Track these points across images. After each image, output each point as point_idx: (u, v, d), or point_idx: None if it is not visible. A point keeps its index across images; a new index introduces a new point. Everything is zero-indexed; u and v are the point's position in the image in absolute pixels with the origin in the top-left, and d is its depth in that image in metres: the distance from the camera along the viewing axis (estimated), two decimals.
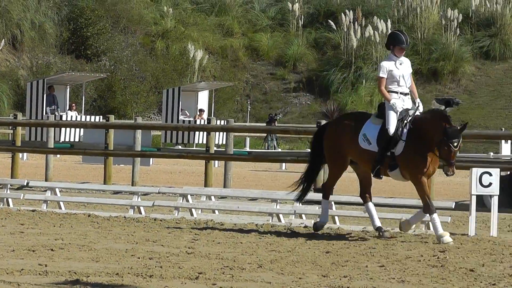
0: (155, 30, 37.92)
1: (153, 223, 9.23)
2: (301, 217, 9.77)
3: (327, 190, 7.96)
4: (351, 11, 34.80)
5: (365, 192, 7.76)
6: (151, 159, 19.40)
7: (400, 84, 7.48)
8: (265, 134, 27.49)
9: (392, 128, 7.01)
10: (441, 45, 35.20)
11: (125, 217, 9.75)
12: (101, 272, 4.63)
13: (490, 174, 8.54)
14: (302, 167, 14.90)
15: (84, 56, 36.50)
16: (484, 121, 32.35)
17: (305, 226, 8.99)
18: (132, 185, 14.10)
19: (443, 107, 8.82)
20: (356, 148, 7.17)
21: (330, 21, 35.29)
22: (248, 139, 27.92)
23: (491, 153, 24.12)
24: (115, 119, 18.22)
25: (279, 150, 27.35)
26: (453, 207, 9.87)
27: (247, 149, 25.56)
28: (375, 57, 33.81)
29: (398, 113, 7.05)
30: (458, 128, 7.03)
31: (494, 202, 8.74)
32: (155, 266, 5.22)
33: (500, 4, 35.99)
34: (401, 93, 7.45)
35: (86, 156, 18.85)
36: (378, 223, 7.47)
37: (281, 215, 9.58)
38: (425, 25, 35.71)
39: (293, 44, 35.81)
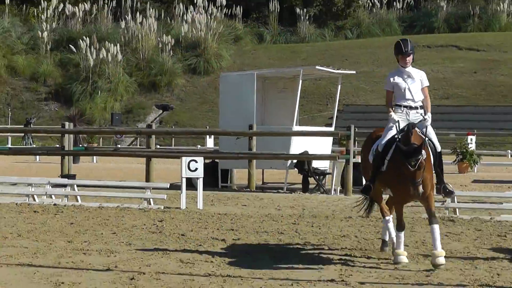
0: None
1: None
2: (51, 197, 10.39)
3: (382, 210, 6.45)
4: (87, 37, 39.78)
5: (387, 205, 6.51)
6: None
7: (406, 97, 6.22)
8: (23, 134, 30.38)
9: (382, 144, 5.81)
10: (158, 63, 40.65)
11: None
12: None
13: (196, 162, 9.65)
14: (51, 159, 17.76)
15: None
16: (193, 122, 36.72)
17: (55, 204, 9.78)
18: None
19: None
20: (368, 162, 6.15)
21: (71, 45, 39.72)
22: (10, 138, 30.64)
23: (199, 146, 26.57)
24: None
25: (34, 145, 30.11)
26: (168, 187, 10.63)
27: (9, 145, 27.49)
28: (107, 72, 39.25)
29: (395, 127, 5.70)
30: (416, 145, 5.39)
31: (200, 183, 9.78)
32: None
33: (204, 31, 42.11)
34: (405, 106, 6.18)
35: None
36: (387, 237, 6.31)
37: (35, 196, 10.32)
38: (145, 48, 41.20)
39: (43, 63, 39.92)
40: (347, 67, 26.67)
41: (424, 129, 5.95)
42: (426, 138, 5.81)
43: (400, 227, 5.94)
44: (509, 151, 25.09)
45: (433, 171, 6.05)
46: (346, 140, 14.02)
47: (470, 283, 4.79)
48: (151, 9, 43.35)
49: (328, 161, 14.43)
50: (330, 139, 15.19)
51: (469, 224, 8.14)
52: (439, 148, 6.22)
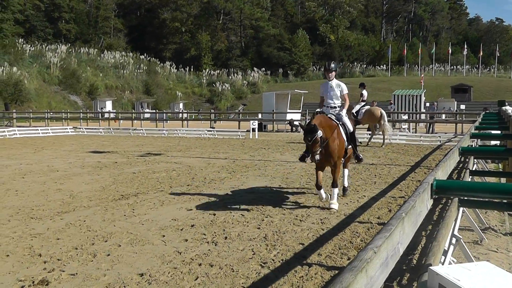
0: None
1: None
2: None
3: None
4: None
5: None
6: None
7: (328, 101, 9.39)
8: None
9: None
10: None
11: None
12: None
13: (254, 122, 33.20)
14: None
15: None
16: (254, 110, 71.30)
17: None
18: None
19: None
20: None
21: None
22: None
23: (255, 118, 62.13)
24: None
25: None
26: (246, 130, 29.02)
27: None
28: None
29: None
30: (312, 125, 8.03)
31: (256, 129, 31.12)
32: None
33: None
34: (328, 106, 9.38)
35: None
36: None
37: None
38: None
39: None
40: None
41: (341, 118, 9.20)
42: (340, 123, 9.08)
43: (332, 184, 9.07)
44: None
45: (345, 146, 9.04)
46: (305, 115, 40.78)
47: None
48: None
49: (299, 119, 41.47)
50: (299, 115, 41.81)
51: None
52: (351, 130, 9.36)
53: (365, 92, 21.85)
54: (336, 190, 9.01)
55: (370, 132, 23.52)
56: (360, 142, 22.89)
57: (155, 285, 5.24)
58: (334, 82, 9.41)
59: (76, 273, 5.63)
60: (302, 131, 8.23)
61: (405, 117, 35.19)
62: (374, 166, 15.13)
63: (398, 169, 14.32)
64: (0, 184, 12.26)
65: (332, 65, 9.33)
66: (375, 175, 13.20)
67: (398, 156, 17.89)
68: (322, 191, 9.05)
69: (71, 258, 6.23)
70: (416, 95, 41.29)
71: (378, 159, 16.93)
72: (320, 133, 8.09)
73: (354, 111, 21.19)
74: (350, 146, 9.38)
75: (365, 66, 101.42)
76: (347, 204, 9.46)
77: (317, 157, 8.15)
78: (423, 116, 35.85)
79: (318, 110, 9.17)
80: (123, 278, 5.46)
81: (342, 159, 9.23)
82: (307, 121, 8.46)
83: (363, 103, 21.66)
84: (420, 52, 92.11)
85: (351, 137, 9.33)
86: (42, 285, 5.35)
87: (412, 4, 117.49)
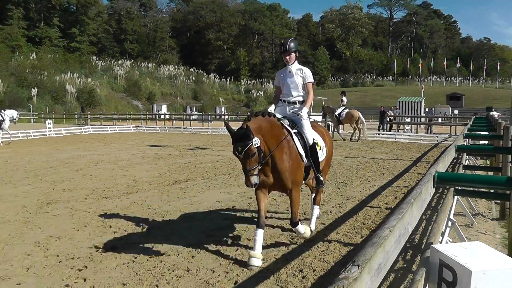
0: None
1: None
2: None
3: None
4: None
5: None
6: None
7: (284, 93, 5.42)
8: None
9: None
10: None
11: None
12: None
13: None
14: None
15: None
16: None
17: None
18: None
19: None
20: None
21: None
22: None
23: None
24: None
25: None
26: None
27: None
28: None
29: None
30: (244, 129, 4.21)
31: None
32: None
33: None
34: (284, 101, 5.42)
35: None
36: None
37: None
38: None
39: None
40: None
41: (298, 123, 5.17)
42: (294, 131, 5.02)
43: (291, 221, 4.96)
44: None
45: (304, 164, 4.97)
46: None
47: None
48: None
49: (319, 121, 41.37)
50: None
51: None
52: (310, 142, 5.12)
53: (345, 99, 22.93)
54: (300, 228, 5.13)
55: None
56: (344, 139, 23.13)
57: (203, 254, 5.27)
58: (295, 67, 5.43)
59: (139, 242, 5.70)
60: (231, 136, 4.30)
61: (408, 120, 34.55)
62: (382, 160, 14.88)
63: (402, 163, 14.04)
64: (78, 170, 12.53)
65: (292, 45, 5.32)
66: (383, 168, 12.97)
67: (402, 152, 17.56)
68: (260, 233, 4.75)
69: (135, 229, 6.31)
70: (417, 102, 40.57)
71: (386, 155, 16.64)
72: (257, 141, 4.34)
73: (336, 113, 22.43)
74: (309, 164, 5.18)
75: (374, 77, 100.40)
76: (360, 191, 9.31)
77: (254, 180, 4.30)
78: (423, 119, 35.19)
79: (271, 109, 5.33)
80: (176, 247, 5.50)
81: (304, 183, 5.41)
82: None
83: (343, 107, 22.53)
84: (420, 66, 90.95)
85: (311, 152, 5.17)
86: (112, 250, 5.45)
87: (414, 26, 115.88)
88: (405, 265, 4.76)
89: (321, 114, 27.38)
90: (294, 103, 5.43)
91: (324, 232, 6.19)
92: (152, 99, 69.19)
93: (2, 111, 21.56)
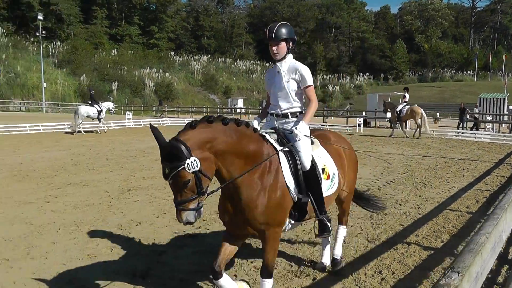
0: None
1: None
2: None
3: None
4: None
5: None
6: None
7: (272, 103, 3.84)
8: None
9: None
10: None
11: None
12: None
13: None
14: None
15: None
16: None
17: None
18: None
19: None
20: None
21: None
22: None
23: None
24: None
25: None
26: None
27: None
28: None
29: None
30: (173, 143, 2.85)
31: None
32: None
33: None
34: (271, 114, 3.83)
35: None
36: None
37: None
38: None
39: None
40: None
41: (291, 141, 3.54)
42: (281, 149, 3.42)
43: (261, 272, 3.42)
44: None
45: (291, 198, 3.36)
46: None
47: None
48: None
49: None
50: None
51: None
52: (307, 167, 3.48)
53: (407, 95, 21.78)
54: (266, 284, 3.45)
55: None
56: (407, 136, 21.57)
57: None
58: (286, 65, 3.92)
59: (216, 231, 5.88)
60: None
61: (490, 118, 32.39)
62: (462, 161, 14.08)
63: (484, 165, 13.18)
64: (156, 160, 12.76)
65: (283, 30, 3.93)
66: (463, 169, 12.26)
67: (483, 153, 16.49)
68: (221, 282, 3.41)
69: (214, 220, 6.47)
70: (500, 99, 37.86)
71: (466, 155, 15.72)
72: (193, 164, 2.79)
73: (398, 109, 21.11)
74: (308, 200, 3.51)
75: (454, 71, 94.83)
76: (439, 193, 8.88)
77: (188, 217, 2.91)
78: (506, 118, 32.76)
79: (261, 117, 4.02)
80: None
81: (289, 223, 3.53)
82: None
83: (404, 103, 21.31)
84: (504, 59, 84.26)
85: (308, 182, 3.51)
86: (191, 237, 5.67)
87: (499, 15, 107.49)
88: (489, 275, 4.47)
89: (382, 110, 26.32)
90: (285, 116, 3.77)
91: (403, 233, 5.99)
92: (229, 93, 70.42)
93: (100, 102, 23.23)
